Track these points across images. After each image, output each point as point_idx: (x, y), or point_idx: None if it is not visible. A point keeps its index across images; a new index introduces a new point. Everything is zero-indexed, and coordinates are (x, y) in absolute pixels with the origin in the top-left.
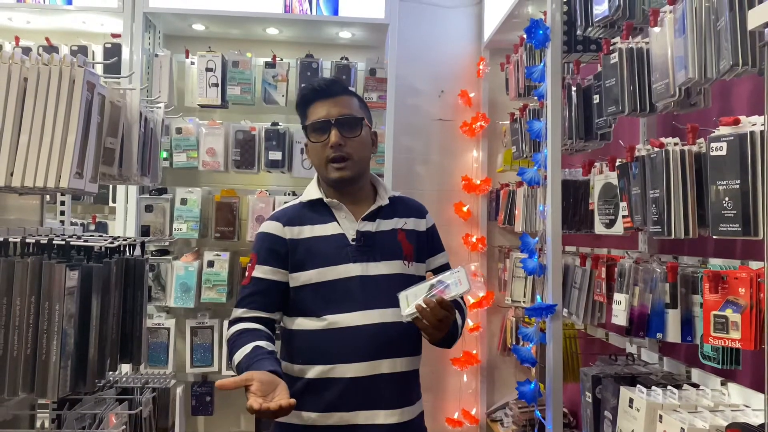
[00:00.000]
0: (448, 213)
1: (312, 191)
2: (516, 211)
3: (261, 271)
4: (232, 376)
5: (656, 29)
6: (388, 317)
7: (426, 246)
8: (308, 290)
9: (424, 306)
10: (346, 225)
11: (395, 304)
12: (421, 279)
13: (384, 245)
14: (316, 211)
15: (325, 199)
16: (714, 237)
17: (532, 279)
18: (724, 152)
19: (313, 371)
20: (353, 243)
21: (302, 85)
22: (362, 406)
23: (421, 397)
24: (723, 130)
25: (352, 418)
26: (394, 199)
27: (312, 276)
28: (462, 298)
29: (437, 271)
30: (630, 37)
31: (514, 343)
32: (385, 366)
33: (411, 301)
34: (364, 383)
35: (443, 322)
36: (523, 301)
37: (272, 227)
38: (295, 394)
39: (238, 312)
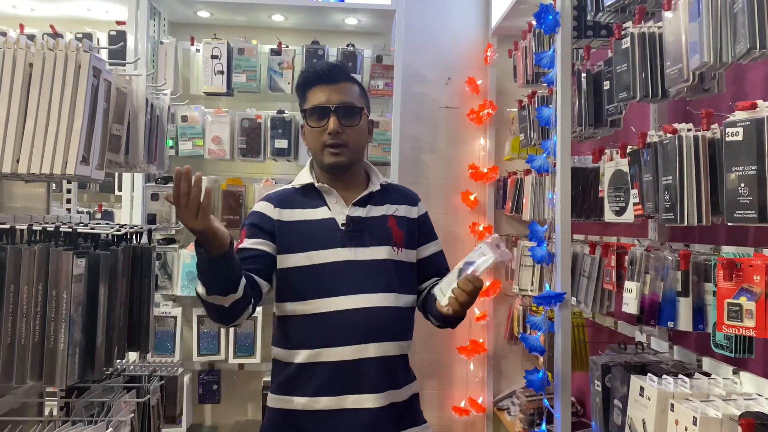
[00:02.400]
0: (455, 201)
1: (304, 176)
2: (524, 200)
3: (249, 243)
4: (239, 363)
5: (669, 13)
6: (374, 302)
7: (417, 233)
8: (296, 273)
9: (456, 287)
10: (336, 210)
11: (383, 289)
12: (410, 266)
13: (374, 231)
14: (307, 195)
15: (317, 184)
16: (729, 224)
17: (540, 267)
18: (740, 137)
19: (302, 356)
20: (343, 228)
21: (303, 68)
22: (349, 390)
23: (413, 381)
24: (739, 115)
25: (339, 403)
26: (387, 186)
27: (300, 259)
28: None
29: (429, 259)
30: (642, 22)
31: (521, 331)
32: (372, 350)
33: (446, 291)
34: (351, 367)
35: (472, 297)
36: (531, 290)
37: (263, 207)
38: (286, 379)
39: None
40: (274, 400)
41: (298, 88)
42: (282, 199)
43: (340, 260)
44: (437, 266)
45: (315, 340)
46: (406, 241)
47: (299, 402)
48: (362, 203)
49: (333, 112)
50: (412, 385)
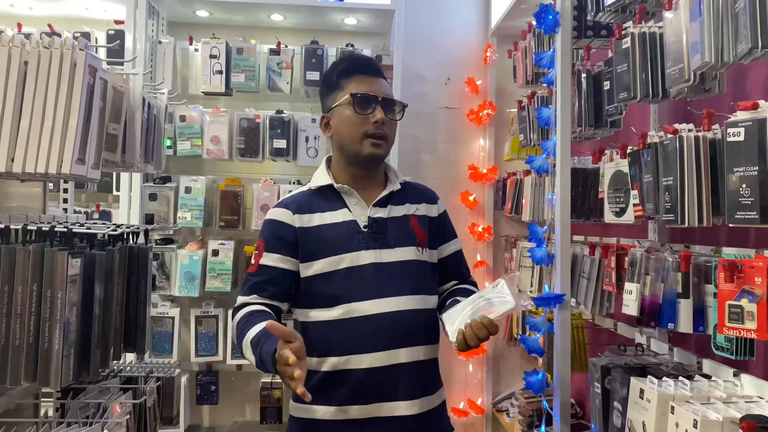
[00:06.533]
0: (455, 202)
1: (321, 177)
2: (523, 200)
3: (270, 259)
4: (237, 363)
5: (670, 13)
6: (404, 305)
7: (438, 232)
8: (320, 280)
9: (469, 325)
10: (357, 211)
11: (411, 291)
12: (433, 266)
13: (397, 231)
14: (326, 197)
15: (336, 185)
16: (730, 225)
17: (539, 268)
18: (741, 138)
19: (329, 363)
20: (365, 230)
21: (342, 55)
22: (381, 397)
23: (442, 386)
24: (741, 115)
25: (371, 411)
26: (405, 184)
27: (324, 265)
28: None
29: (449, 258)
30: (642, 22)
31: (520, 332)
32: (404, 355)
33: (455, 321)
34: (382, 373)
35: (482, 340)
36: (530, 291)
37: (281, 214)
38: (312, 388)
39: (246, 298)
40: (297, 409)
41: (336, 75)
42: (299, 205)
43: (364, 263)
44: (458, 266)
45: (342, 347)
46: (429, 241)
47: (327, 411)
48: (382, 203)
49: (380, 103)
50: (441, 392)
